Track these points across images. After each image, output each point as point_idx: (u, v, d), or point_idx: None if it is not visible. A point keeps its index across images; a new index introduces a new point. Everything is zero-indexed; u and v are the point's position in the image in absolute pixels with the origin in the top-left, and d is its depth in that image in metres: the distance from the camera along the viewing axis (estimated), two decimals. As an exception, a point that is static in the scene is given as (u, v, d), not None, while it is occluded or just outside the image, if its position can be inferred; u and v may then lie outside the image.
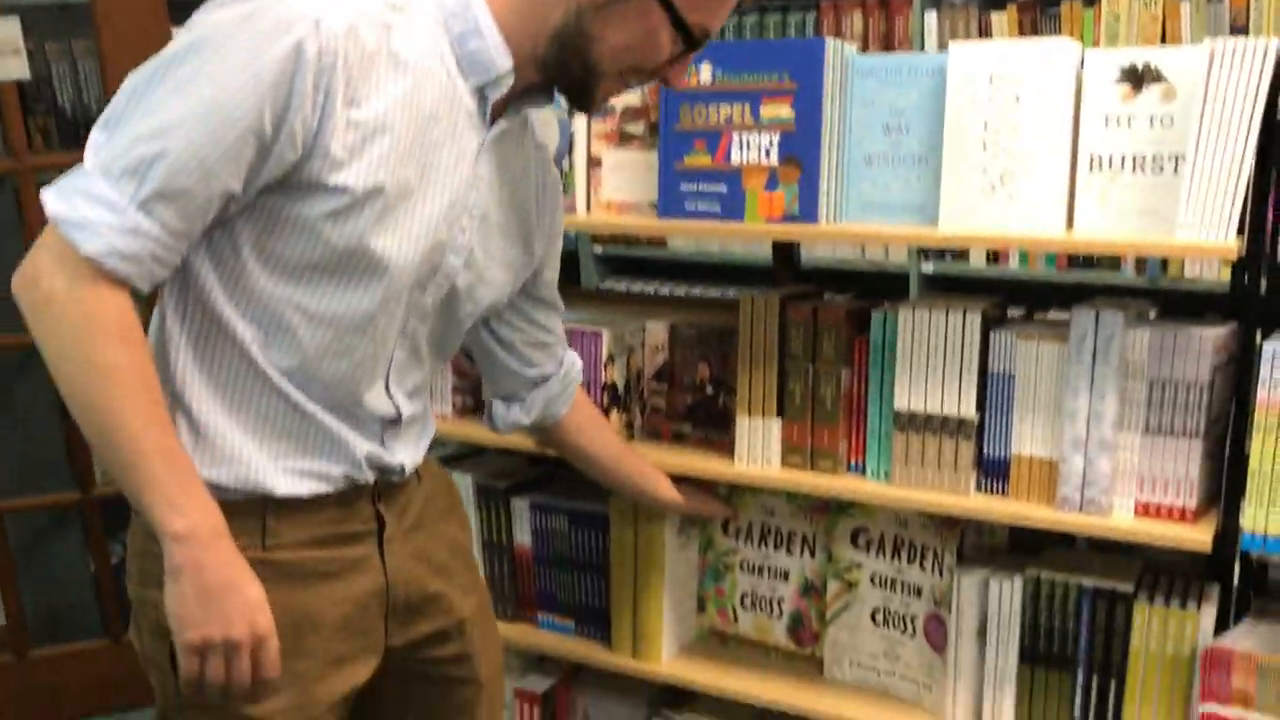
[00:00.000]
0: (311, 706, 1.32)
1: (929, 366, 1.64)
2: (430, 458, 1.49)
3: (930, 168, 1.66)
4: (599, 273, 3.68)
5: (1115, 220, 1.55)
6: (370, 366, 1.29)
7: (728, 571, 1.98)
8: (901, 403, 1.67)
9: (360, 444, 1.31)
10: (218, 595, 1.15)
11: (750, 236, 1.69)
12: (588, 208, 1.92)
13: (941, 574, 1.74)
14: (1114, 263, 2.95)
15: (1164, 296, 3.00)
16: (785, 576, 1.94)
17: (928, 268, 3.12)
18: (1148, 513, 1.55)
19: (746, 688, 1.86)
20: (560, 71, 1.25)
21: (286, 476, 1.27)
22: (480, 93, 1.26)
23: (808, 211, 1.68)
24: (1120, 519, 1.56)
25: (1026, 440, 1.62)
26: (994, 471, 1.65)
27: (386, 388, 1.33)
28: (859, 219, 1.72)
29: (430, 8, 1.23)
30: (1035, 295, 3.13)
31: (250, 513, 1.25)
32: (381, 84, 1.17)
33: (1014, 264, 3.03)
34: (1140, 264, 2.91)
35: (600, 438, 1.72)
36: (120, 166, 1.11)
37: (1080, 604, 1.63)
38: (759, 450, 1.79)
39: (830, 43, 1.66)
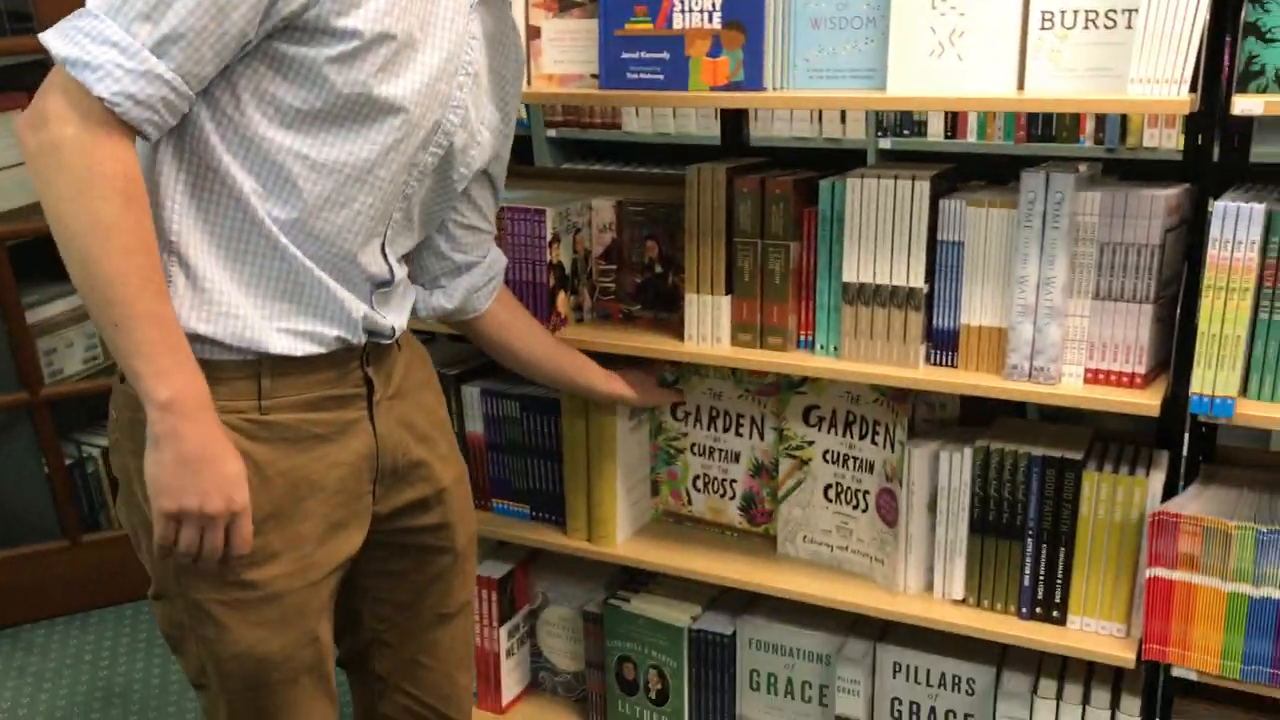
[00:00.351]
0: (311, 570, 1.33)
1: (878, 237, 1.60)
2: (405, 329, 1.50)
3: (879, 30, 1.59)
4: (553, 157, 3.60)
5: (1068, 80, 1.50)
6: (367, 224, 1.29)
7: (679, 455, 1.97)
8: (850, 275, 1.64)
9: (355, 305, 1.31)
10: (197, 466, 1.16)
11: (694, 105, 1.62)
12: (528, 80, 1.85)
13: (893, 448, 1.72)
14: (1072, 133, 2.90)
15: (1122, 166, 2.96)
16: (736, 458, 1.92)
17: (885, 143, 3.07)
18: (1097, 380, 1.54)
19: (701, 566, 1.86)
20: None
21: (282, 336, 1.26)
22: None
23: (753, 78, 1.62)
24: (1069, 387, 1.54)
25: (976, 309, 1.59)
26: (943, 342, 1.63)
27: (384, 249, 1.34)
28: (806, 86, 1.67)
29: None
30: (993, 167, 3.09)
31: (246, 374, 1.25)
32: None
33: (972, 137, 2.97)
34: (1099, 134, 2.87)
35: (528, 334, 1.69)
36: (131, 7, 1.08)
37: (1029, 473, 1.62)
38: (708, 329, 1.75)
39: (773, -102, 1.58)
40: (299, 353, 1.27)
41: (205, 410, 1.17)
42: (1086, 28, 1.48)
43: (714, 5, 1.63)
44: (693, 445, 1.95)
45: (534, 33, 1.83)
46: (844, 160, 3.23)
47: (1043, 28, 1.50)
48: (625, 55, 1.70)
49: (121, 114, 1.10)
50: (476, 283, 1.59)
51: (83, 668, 2.74)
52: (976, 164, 3.06)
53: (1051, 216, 1.49)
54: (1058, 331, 1.53)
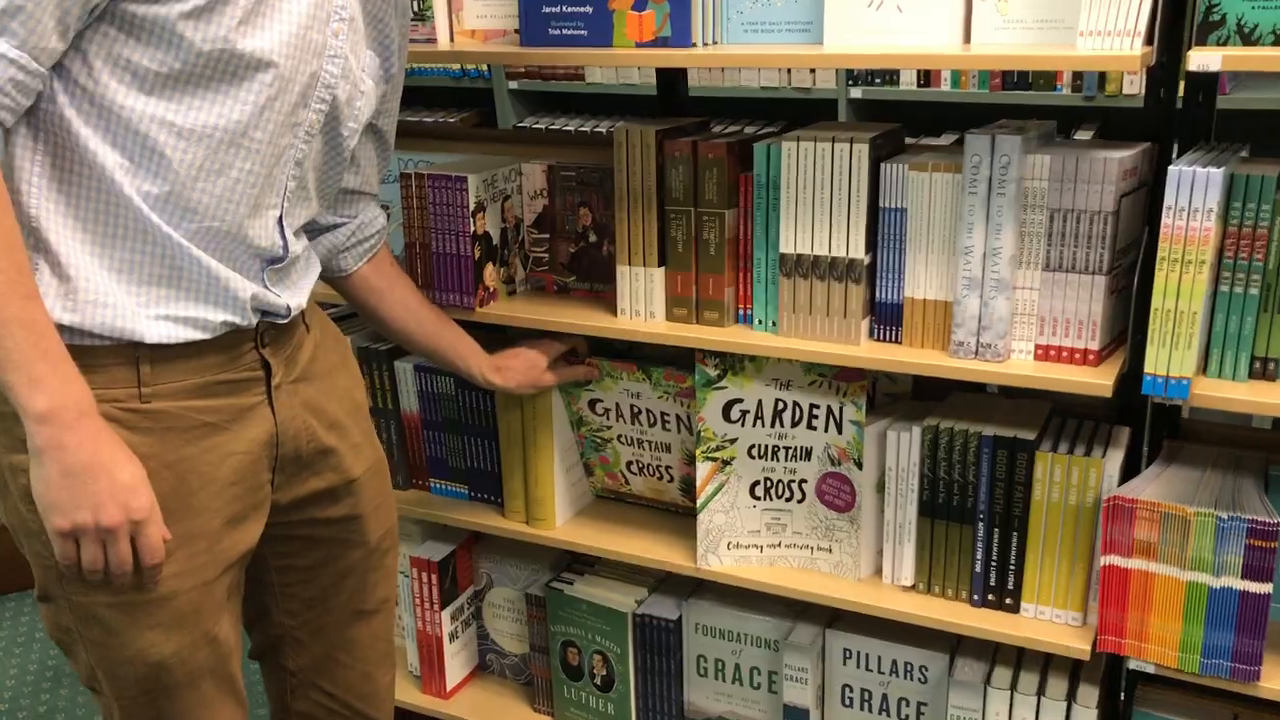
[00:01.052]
0: (205, 569, 1.25)
1: (815, 204, 1.49)
2: (317, 308, 1.43)
3: (815, -21, 1.47)
4: (515, 111, 3.47)
5: (1015, 33, 1.38)
6: (249, 192, 1.19)
7: (606, 444, 1.86)
8: (788, 245, 1.53)
9: (243, 285, 1.22)
10: (85, 477, 1.08)
11: (618, 64, 1.50)
12: (450, 36, 1.73)
13: (839, 429, 1.62)
14: (1050, 81, 2.77)
15: (1102, 115, 2.83)
16: (667, 449, 1.82)
17: (856, 93, 2.93)
18: (1048, 357, 1.43)
19: (641, 551, 1.77)
20: None
21: (159, 323, 1.17)
22: None
23: (681, 34, 1.50)
24: (1018, 364, 1.44)
25: (920, 282, 1.48)
26: (886, 317, 1.52)
27: (280, 222, 1.25)
28: (740, 40, 1.55)
29: None
30: (967, 117, 2.96)
31: (123, 360, 1.16)
32: None
33: (946, 86, 2.84)
34: (1077, 80, 2.73)
35: (402, 305, 1.58)
36: None
37: (980, 454, 1.52)
38: (642, 303, 1.65)
39: None
40: (179, 339, 1.19)
41: (87, 417, 1.08)
42: (1036, -26, 1.36)
43: (637, -45, 1.50)
44: (620, 436, 1.84)
45: (455, -13, 1.71)
46: (814, 112, 3.11)
47: (989, -25, 1.38)
48: (546, 9, 1.57)
49: None
50: (341, 242, 1.49)
51: (33, 646, 2.67)
52: (950, 113, 2.93)
53: (998, 182, 1.38)
54: (1005, 306, 1.42)
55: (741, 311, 1.62)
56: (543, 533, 1.84)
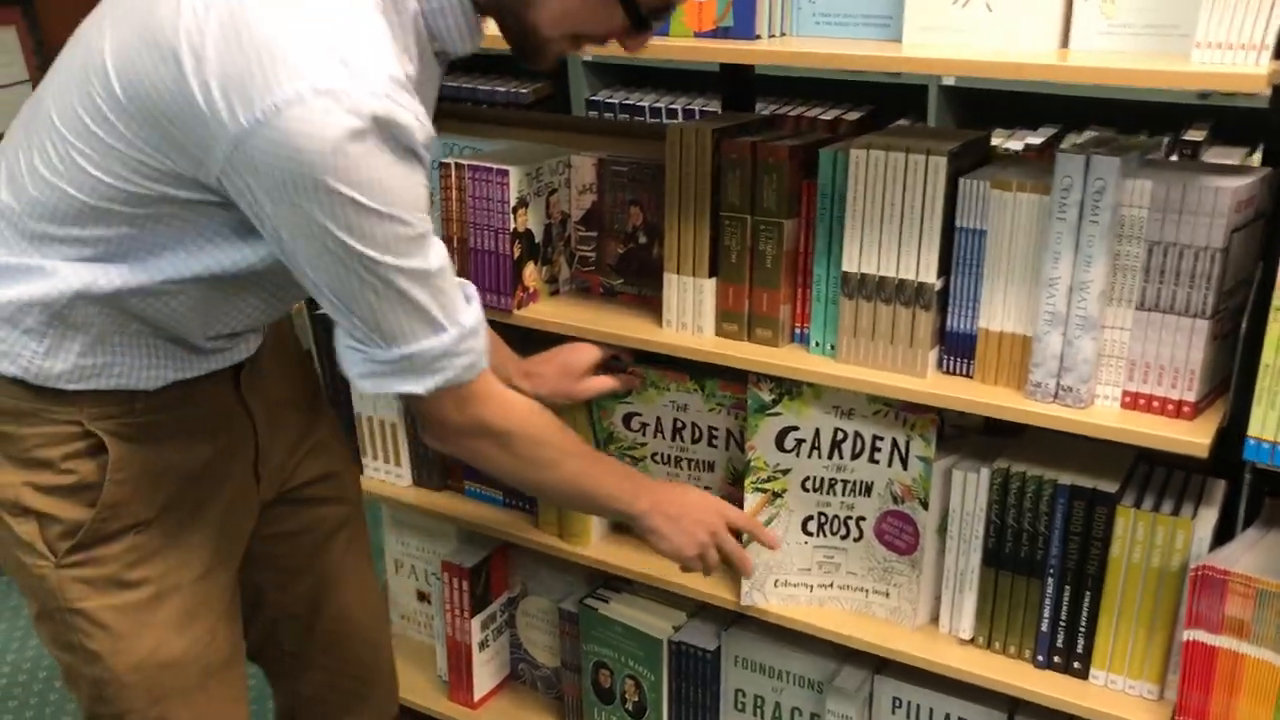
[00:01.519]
0: (207, 559, 1.31)
1: (884, 220, 1.34)
2: None
3: (899, -33, 1.32)
4: (589, 82, 3.33)
5: (1121, 38, 1.21)
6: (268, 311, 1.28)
7: (637, 464, 1.72)
8: (851, 263, 1.38)
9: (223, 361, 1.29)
10: (685, 521, 1.40)
11: (674, 56, 1.37)
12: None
13: (904, 465, 1.48)
14: (1161, 75, 2.54)
15: (1217, 114, 2.61)
16: (709, 467, 1.68)
17: (949, 79, 2.74)
18: (1136, 405, 1.27)
19: (677, 577, 1.65)
20: (500, 26, 1.15)
21: (156, 380, 1.22)
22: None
23: (744, 24, 1.36)
24: (1102, 412, 1.28)
25: (997, 313, 1.33)
26: (957, 348, 1.37)
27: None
28: (812, 32, 1.40)
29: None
30: (1068, 108, 2.76)
31: (120, 397, 1.20)
32: None
33: (1046, 76, 2.63)
34: (1191, 77, 2.51)
35: None
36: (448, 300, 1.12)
37: (1055, 503, 1.37)
38: (689, 315, 1.52)
39: None
40: (170, 380, 1.23)
41: (657, 489, 1.41)
42: (1149, -28, 1.19)
43: (699, -65, 1.36)
44: (655, 454, 1.70)
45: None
46: (901, 98, 2.93)
47: (1095, -29, 1.21)
48: None
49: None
50: None
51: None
52: (1049, 105, 2.73)
53: (1090, 208, 1.22)
54: (1091, 346, 1.26)
55: (797, 330, 1.48)
56: (575, 549, 1.73)
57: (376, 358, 1.09)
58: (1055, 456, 1.41)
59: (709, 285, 1.49)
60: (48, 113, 1.09)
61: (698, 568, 1.43)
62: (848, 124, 2.96)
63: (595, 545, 1.74)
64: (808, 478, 1.53)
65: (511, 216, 1.56)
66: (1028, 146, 2.66)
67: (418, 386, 1.11)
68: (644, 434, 1.69)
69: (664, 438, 1.68)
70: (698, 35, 1.39)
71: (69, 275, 1.10)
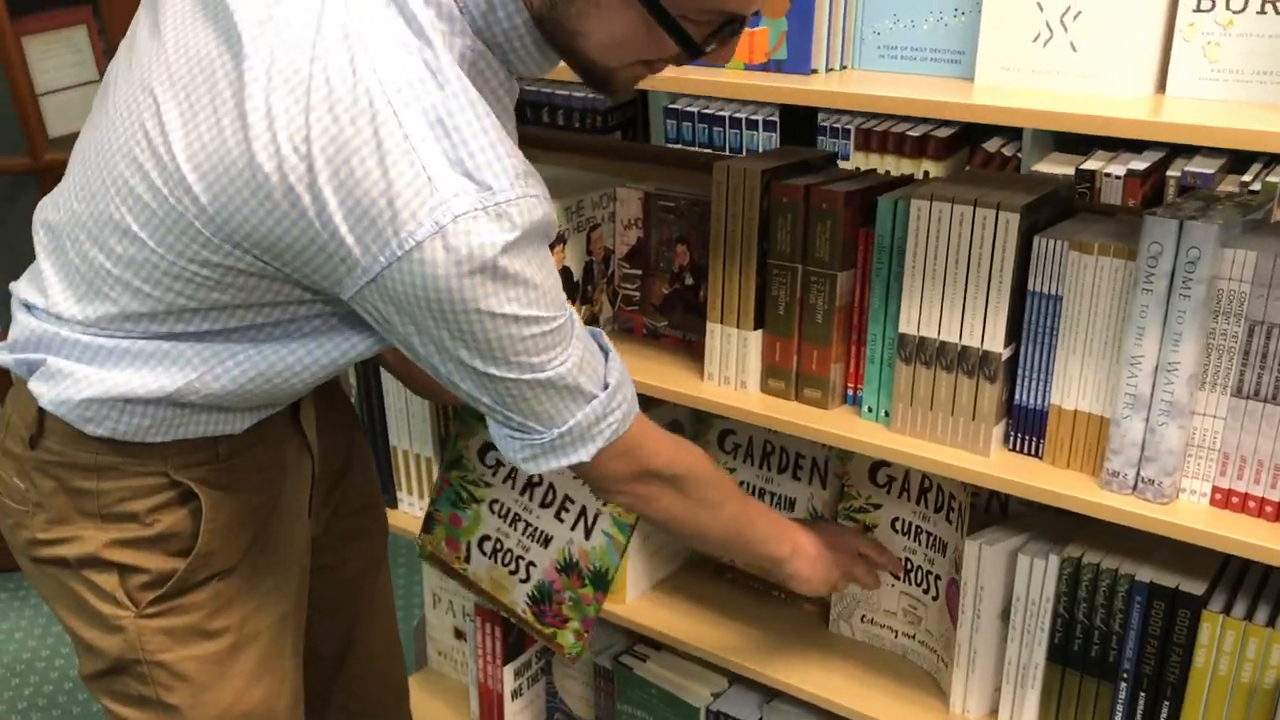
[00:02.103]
0: (281, 603, 1.27)
1: (948, 278, 1.21)
2: None
3: (973, 0, 1.18)
4: (667, 125, 3.18)
5: (1226, 85, 1.06)
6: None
7: None
8: (909, 325, 1.24)
9: None
10: (828, 558, 1.36)
11: (723, 94, 1.24)
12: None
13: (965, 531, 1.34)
14: None
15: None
16: (791, 505, 1.57)
17: (1045, 99, 2.56)
18: (1228, 504, 1.12)
19: (719, 644, 1.53)
20: (563, 58, 1.05)
21: (244, 424, 1.17)
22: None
23: (798, 57, 1.23)
24: (1188, 509, 1.13)
25: (1072, 389, 1.18)
26: (1025, 424, 1.22)
27: None
28: (876, 66, 1.27)
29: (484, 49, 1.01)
30: (1161, 148, 2.55)
31: (205, 444, 1.15)
32: None
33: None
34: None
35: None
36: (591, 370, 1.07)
37: (1131, 601, 1.22)
38: (733, 369, 1.39)
39: None
40: (252, 424, 1.18)
41: (796, 532, 1.34)
42: (1263, 11, 1.03)
43: (752, -42, 1.23)
44: (741, 483, 1.60)
45: (552, -21, 1.47)
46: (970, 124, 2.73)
47: (1198, 9, 1.06)
48: (644, 17, 1.32)
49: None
50: None
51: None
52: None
53: (1182, 280, 1.06)
54: (1178, 436, 1.11)
55: (850, 391, 1.35)
56: (608, 606, 1.62)
57: (535, 442, 1.06)
58: (1135, 546, 1.25)
59: (754, 338, 1.37)
60: (107, 195, 1.01)
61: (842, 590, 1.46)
62: (937, 141, 2.80)
63: (632, 603, 1.63)
64: (897, 518, 1.42)
65: (547, 254, 1.45)
66: (1130, 173, 2.47)
67: (583, 455, 1.08)
68: (736, 456, 1.58)
69: (753, 463, 1.57)
70: (748, 68, 1.26)
71: (175, 374, 1.06)
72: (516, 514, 1.55)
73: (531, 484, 1.53)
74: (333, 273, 0.94)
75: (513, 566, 1.56)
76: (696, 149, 3.02)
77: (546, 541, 1.53)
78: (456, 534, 1.60)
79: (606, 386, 1.06)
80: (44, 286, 1.09)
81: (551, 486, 1.51)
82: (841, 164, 2.87)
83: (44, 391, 1.08)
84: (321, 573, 1.39)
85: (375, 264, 0.91)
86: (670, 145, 3.05)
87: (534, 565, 1.55)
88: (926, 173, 2.73)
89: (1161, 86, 1.10)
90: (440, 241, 0.89)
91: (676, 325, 1.53)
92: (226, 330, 1.04)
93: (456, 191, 0.89)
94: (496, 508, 1.56)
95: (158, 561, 1.14)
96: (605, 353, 1.09)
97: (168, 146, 0.95)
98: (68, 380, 1.07)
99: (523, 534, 1.55)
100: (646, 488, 1.16)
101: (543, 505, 1.52)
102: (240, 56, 0.91)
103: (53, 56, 2.55)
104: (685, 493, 1.18)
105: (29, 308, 1.11)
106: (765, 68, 1.25)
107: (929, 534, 1.43)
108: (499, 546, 1.57)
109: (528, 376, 1.00)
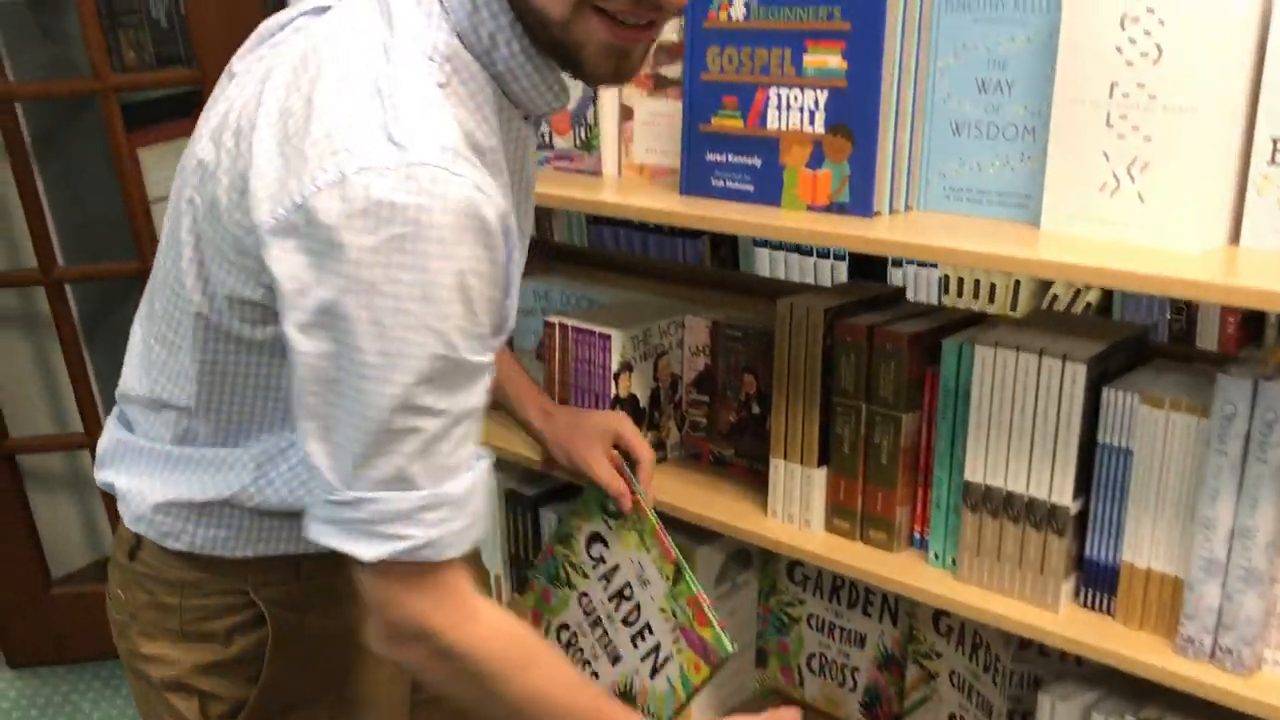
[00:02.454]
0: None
1: (1014, 427, 1.17)
2: None
3: (1038, 144, 1.16)
4: (756, 251, 3.19)
5: (1304, 241, 1.02)
6: None
7: (793, 625, 1.59)
8: (975, 473, 1.21)
9: None
10: None
11: (785, 237, 1.24)
12: (618, 170, 1.52)
13: (1010, 684, 1.29)
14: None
15: None
16: (860, 642, 1.53)
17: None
18: (1314, 680, 1.05)
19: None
20: (542, 47, 0.97)
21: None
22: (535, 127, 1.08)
23: (861, 200, 1.23)
24: (1269, 683, 1.06)
25: (1144, 547, 1.13)
26: (1096, 580, 1.18)
27: None
28: (942, 207, 1.25)
29: (461, 56, 0.95)
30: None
31: (286, 562, 1.12)
32: None
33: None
34: None
35: None
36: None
37: (1213, 772, 1.15)
38: (797, 506, 1.37)
39: (899, -37, 1.17)
40: None
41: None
42: (1341, 166, 1.00)
43: (816, 103, 1.24)
44: (809, 616, 1.57)
45: (626, 113, 1.50)
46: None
47: (1272, 161, 1.03)
48: (711, 156, 1.33)
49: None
50: None
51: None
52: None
53: (1258, 444, 1.02)
54: (1257, 604, 1.05)
55: (916, 535, 1.31)
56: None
57: (319, 495, 0.92)
58: (1216, 714, 1.18)
59: (819, 475, 1.35)
60: (156, 279, 1.06)
61: None
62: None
63: (693, 736, 1.59)
64: (954, 672, 1.36)
65: (614, 383, 1.46)
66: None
67: (362, 549, 0.91)
68: (805, 588, 1.55)
69: (822, 596, 1.54)
70: (811, 209, 1.26)
71: (230, 478, 1.06)
72: (599, 618, 1.49)
73: (622, 595, 1.46)
74: (251, 247, 0.91)
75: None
76: (768, 278, 3.00)
77: (616, 660, 1.49)
78: (544, 609, 1.54)
79: (433, 494, 0.91)
80: (124, 388, 1.12)
81: (639, 606, 1.45)
82: (922, 268, 2.81)
83: (123, 510, 1.11)
84: (425, 706, 1.31)
85: (276, 212, 0.86)
86: (744, 273, 3.05)
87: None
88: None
89: (1235, 238, 1.07)
90: (339, 191, 0.83)
91: (743, 454, 1.52)
92: (270, 426, 1.04)
93: (370, 147, 0.84)
94: (584, 602, 1.49)
95: (236, 688, 1.12)
96: (464, 467, 0.93)
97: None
98: (136, 495, 1.09)
99: (598, 640, 1.50)
100: (412, 650, 0.97)
101: (625, 622, 1.47)
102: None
103: (164, 165, 2.66)
104: (459, 673, 0.98)
105: (115, 414, 1.15)
106: (828, 209, 1.25)
107: (980, 695, 1.37)
108: (573, 642, 1.52)
109: (366, 390, 0.86)
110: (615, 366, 1.46)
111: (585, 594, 1.49)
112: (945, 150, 1.24)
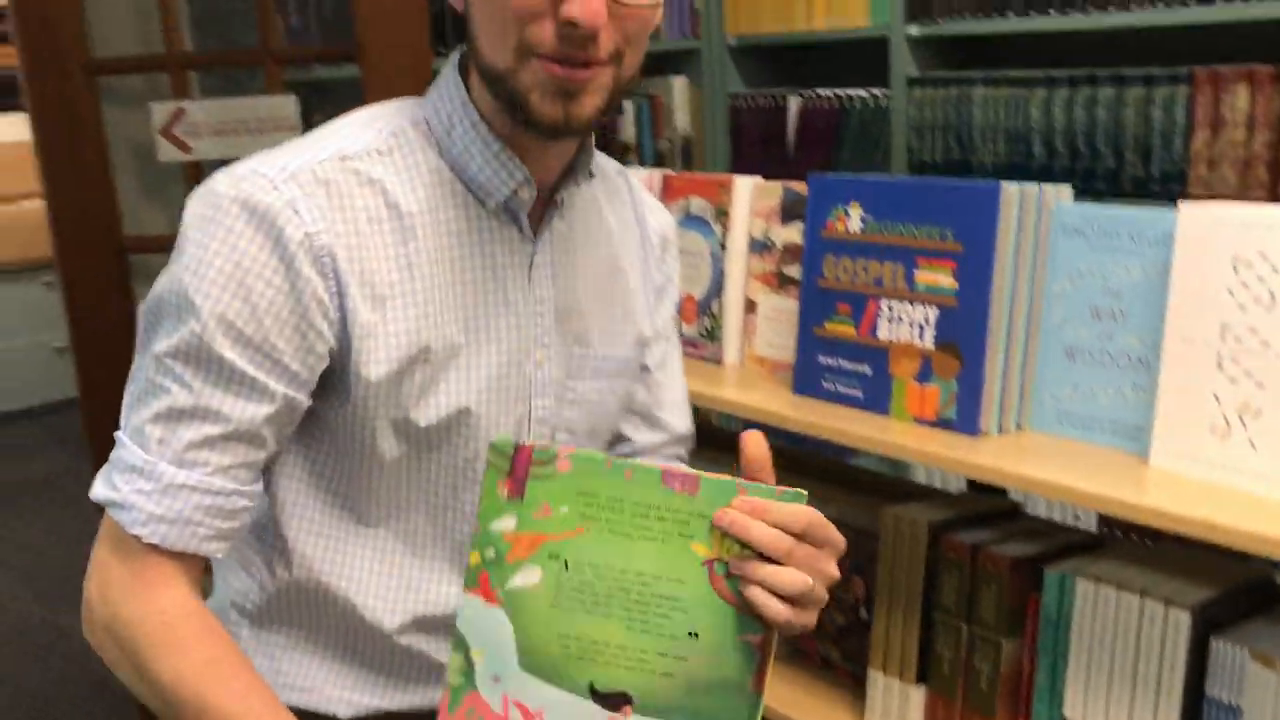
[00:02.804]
0: None
1: (1114, 668, 1.12)
2: None
3: (1150, 376, 1.14)
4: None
5: None
6: None
7: None
8: (1074, 710, 1.16)
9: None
10: None
11: (892, 453, 1.24)
12: (740, 359, 1.56)
13: None
14: None
15: None
16: None
17: None
18: None
19: None
20: (492, 112, 0.99)
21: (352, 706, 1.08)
22: (507, 208, 1.02)
23: (967, 418, 1.22)
24: None
25: (1252, 815, 1.05)
26: (1200, 846, 1.10)
27: None
28: (1054, 429, 1.23)
29: (418, 136, 1.01)
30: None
31: None
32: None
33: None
34: None
35: None
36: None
37: None
38: (892, 721, 1.33)
39: (1013, 191, 1.19)
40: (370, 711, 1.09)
41: None
42: None
43: (926, 319, 1.25)
44: None
45: (750, 306, 1.54)
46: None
47: (1395, 419, 0.98)
48: (823, 359, 1.35)
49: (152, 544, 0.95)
50: None
51: None
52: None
53: (1372, 721, 0.95)
54: None
55: (1015, 767, 1.26)
56: None
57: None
58: None
59: (917, 695, 1.31)
60: None
61: None
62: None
63: None
64: None
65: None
66: None
67: (94, 488, 0.94)
68: None
69: None
70: (918, 421, 1.26)
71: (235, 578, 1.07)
72: None
73: None
74: None
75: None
76: (883, 475, 2.88)
77: None
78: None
79: (138, 455, 0.91)
80: None
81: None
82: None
83: None
84: None
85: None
86: (860, 468, 2.97)
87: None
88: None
89: (1357, 493, 1.01)
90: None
91: (849, 657, 1.49)
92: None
93: (252, 161, 0.95)
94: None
95: None
96: (216, 477, 0.92)
97: None
98: None
99: None
100: (90, 619, 0.95)
101: None
102: None
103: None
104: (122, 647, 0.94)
105: None
106: (935, 424, 1.24)
107: None
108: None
109: (146, 338, 0.94)
110: (720, 558, 1.46)
111: None
112: (1059, 374, 1.22)
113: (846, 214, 1.32)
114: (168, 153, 2.30)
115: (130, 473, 0.92)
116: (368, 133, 0.99)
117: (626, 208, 1.17)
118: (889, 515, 1.32)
